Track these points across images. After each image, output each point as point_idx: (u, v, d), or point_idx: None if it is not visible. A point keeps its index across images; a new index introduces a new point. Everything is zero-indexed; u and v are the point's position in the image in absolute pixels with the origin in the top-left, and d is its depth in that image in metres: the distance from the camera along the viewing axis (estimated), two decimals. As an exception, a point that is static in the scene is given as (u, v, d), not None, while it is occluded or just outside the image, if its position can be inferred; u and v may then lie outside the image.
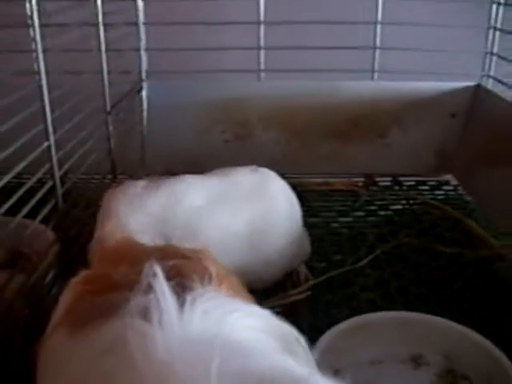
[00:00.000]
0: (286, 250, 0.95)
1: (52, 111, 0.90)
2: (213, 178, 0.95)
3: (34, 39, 0.86)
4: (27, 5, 0.84)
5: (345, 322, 0.78)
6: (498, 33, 1.42)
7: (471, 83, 1.48)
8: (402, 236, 1.17)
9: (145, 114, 1.48)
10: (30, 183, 0.85)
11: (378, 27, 1.47)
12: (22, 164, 0.83)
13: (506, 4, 1.40)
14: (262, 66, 1.49)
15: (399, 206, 1.35)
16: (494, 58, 1.44)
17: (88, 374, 0.45)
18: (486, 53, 1.45)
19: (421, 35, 1.43)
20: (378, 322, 0.81)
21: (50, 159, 0.92)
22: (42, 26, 0.87)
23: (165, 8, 1.42)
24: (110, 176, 1.21)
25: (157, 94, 1.48)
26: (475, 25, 1.47)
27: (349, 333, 0.77)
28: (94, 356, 0.45)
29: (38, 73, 0.87)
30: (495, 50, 1.44)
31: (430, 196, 1.40)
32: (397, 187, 1.46)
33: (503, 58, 1.41)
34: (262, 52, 1.48)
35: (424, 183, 1.47)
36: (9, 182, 0.77)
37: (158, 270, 0.49)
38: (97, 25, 1.10)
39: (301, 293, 0.97)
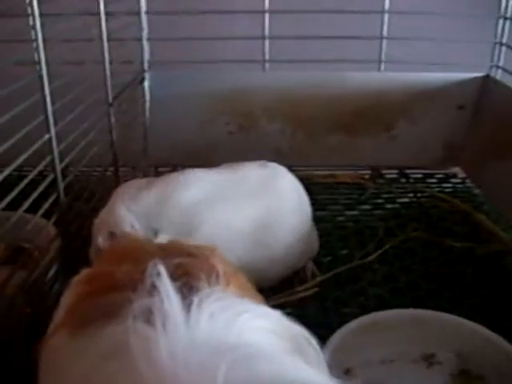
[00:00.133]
0: (294, 248, 0.92)
1: (53, 103, 0.88)
2: (218, 173, 0.92)
3: (34, 28, 0.84)
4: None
5: (355, 320, 0.77)
6: (507, 22, 1.39)
7: (480, 74, 1.45)
8: (410, 230, 1.15)
9: (147, 104, 1.46)
10: (30, 176, 0.83)
11: (386, 16, 1.44)
12: (23, 156, 0.81)
13: (516, -7, 1.37)
14: (267, 57, 1.46)
15: (406, 199, 1.33)
16: (504, 49, 1.41)
17: (90, 377, 0.43)
18: (495, 43, 1.42)
19: (428, 25, 1.41)
20: (389, 321, 0.79)
21: (51, 152, 0.90)
22: (42, 14, 0.85)
23: (167, -3, 1.40)
24: (111, 169, 1.19)
25: (159, 84, 1.45)
26: (484, 14, 1.44)
27: (359, 331, 0.76)
28: (97, 359, 0.43)
29: (39, 63, 0.85)
30: (504, 40, 1.41)
31: (438, 189, 1.38)
32: (403, 180, 1.44)
33: (512, 48, 1.38)
34: (267, 42, 1.45)
35: (431, 176, 1.45)
36: (9, 175, 0.75)
37: (162, 269, 0.47)
38: (98, 14, 1.07)
39: (308, 289, 0.95)
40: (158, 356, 0.38)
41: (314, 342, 0.49)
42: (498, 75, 1.43)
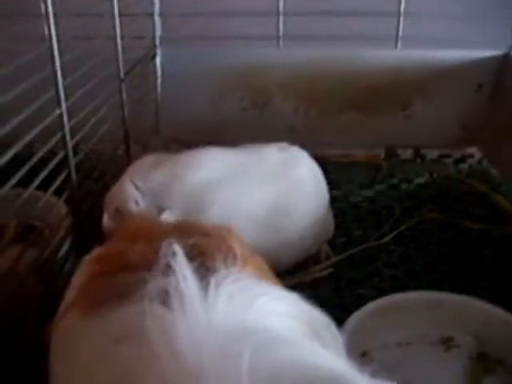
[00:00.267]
0: (309, 232, 0.90)
1: (64, 77, 0.86)
2: (235, 154, 0.90)
3: (45, 3, 0.82)
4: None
5: (372, 302, 0.75)
6: (529, -1, 1.36)
7: (499, 52, 1.41)
8: (425, 211, 1.13)
9: (159, 80, 1.43)
10: (40, 153, 0.81)
11: (403, -7, 1.40)
12: (34, 132, 0.79)
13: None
14: (281, 33, 1.43)
15: (422, 180, 1.31)
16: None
17: (101, 360, 0.41)
18: (516, 20, 1.38)
19: (447, 1, 1.37)
20: (406, 303, 0.78)
21: (62, 127, 0.88)
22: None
23: (179, -29, 1.37)
24: (123, 146, 1.17)
25: (171, 60, 1.43)
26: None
27: (377, 314, 0.74)
28: (108, 342, 0.42)
29: (49, 37, 0.83)
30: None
31: (454, 169, 1.36)
32: (419, 160, 1.42)
33: (533, 26, 1.35)
34: (281, 18, 1.42)
35: (447, 156, 1.42)
36: (20, 153, 0.73)
37: (178, 248, 0.45)
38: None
39: (322, 270, 0.94)
40: (177, 340, 0.37)
41: (332, 326, 0.48)
42: (519, 54, 1.40)
